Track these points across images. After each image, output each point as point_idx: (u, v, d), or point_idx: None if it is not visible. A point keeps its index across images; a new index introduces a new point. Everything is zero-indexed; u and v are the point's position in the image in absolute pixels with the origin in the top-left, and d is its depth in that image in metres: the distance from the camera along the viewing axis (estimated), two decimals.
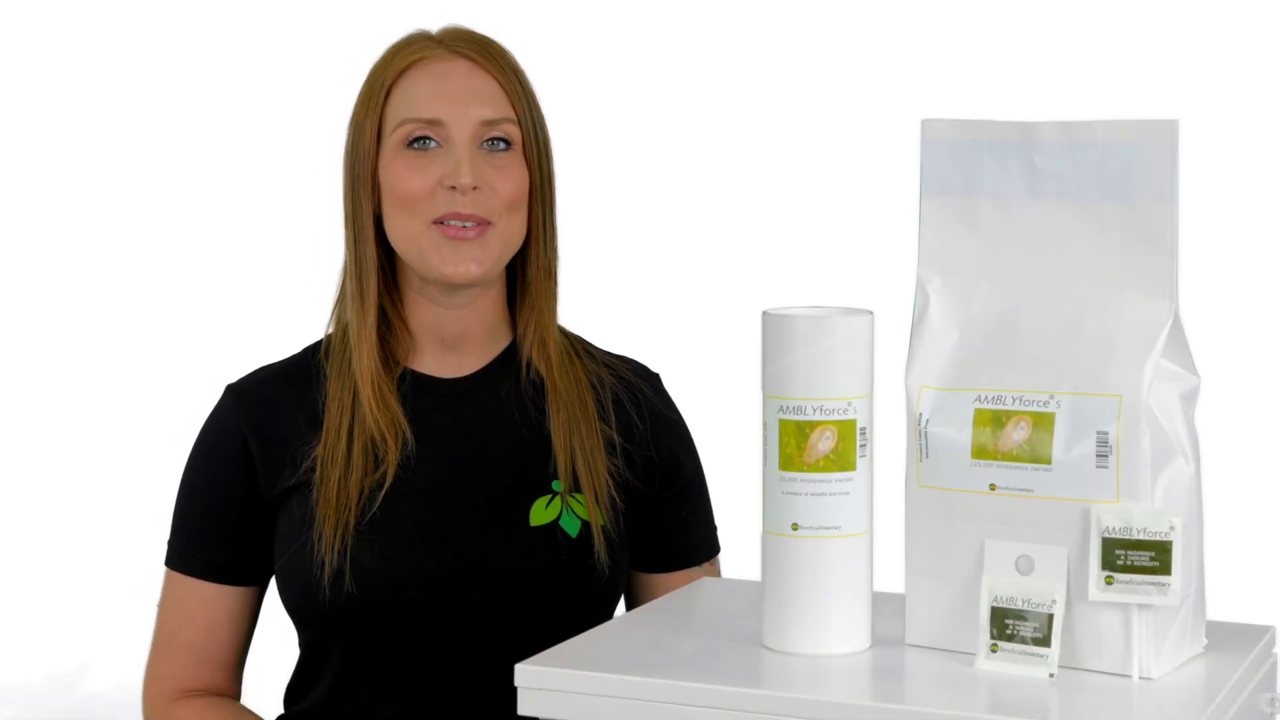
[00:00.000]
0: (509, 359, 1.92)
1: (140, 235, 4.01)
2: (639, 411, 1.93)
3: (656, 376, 1.99)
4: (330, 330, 1.93)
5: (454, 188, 1.81)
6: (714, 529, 2.00)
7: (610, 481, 1.88)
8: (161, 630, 1.94)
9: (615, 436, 1.90)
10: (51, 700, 3.87)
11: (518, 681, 1.44)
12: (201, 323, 3.87)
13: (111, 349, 3.97)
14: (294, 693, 1.94)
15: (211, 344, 3.74)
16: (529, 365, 1.90)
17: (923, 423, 1.48)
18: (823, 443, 1.45)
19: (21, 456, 4.03)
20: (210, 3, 3.98)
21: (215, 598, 1.92)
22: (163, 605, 1.95)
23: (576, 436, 1.88)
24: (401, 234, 1.84)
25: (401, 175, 1.83)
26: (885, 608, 1.53)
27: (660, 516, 1.94)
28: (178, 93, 3.99)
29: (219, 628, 1.92)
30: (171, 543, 1.94)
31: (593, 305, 3.70)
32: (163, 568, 1.95)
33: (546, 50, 3.76)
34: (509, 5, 3.77)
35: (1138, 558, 1.40)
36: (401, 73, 1.86)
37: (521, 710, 1.44)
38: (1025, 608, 1.43)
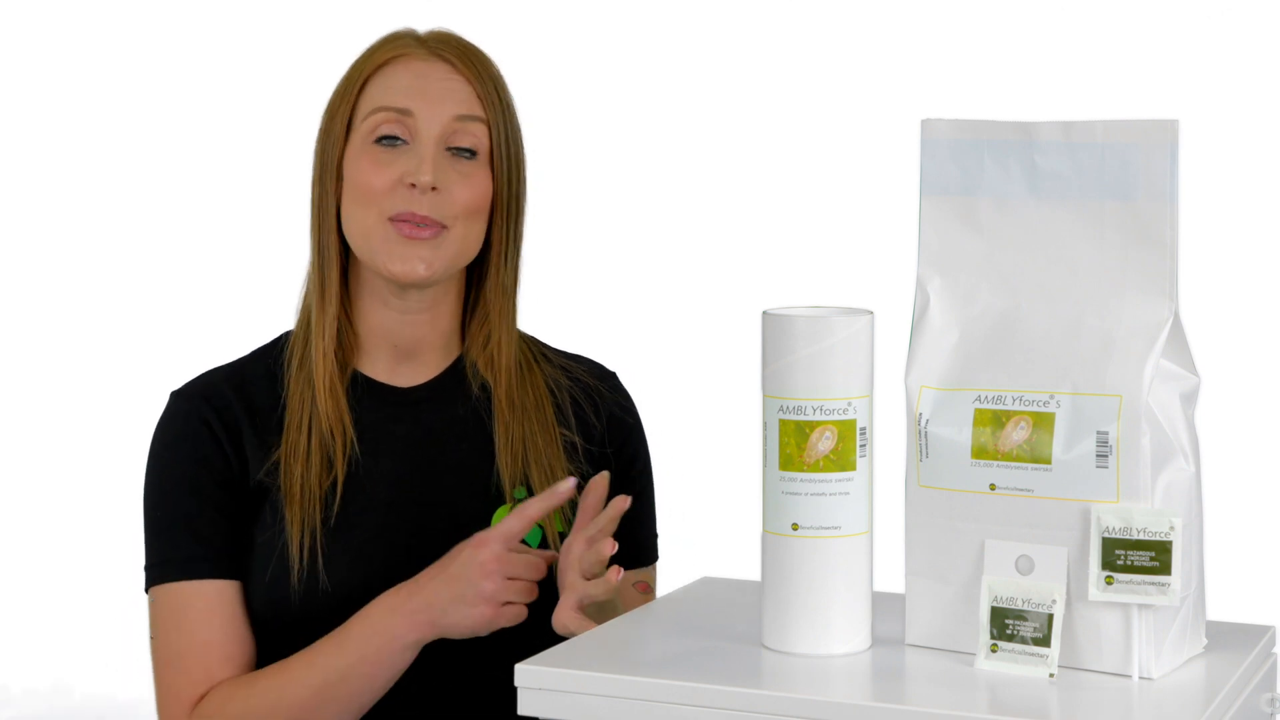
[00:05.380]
0: (462, 368, 1.90)
1: (123, 239, 4.01)
2: (596, 412, 1.92)
3: (613, 375, 1.97)
4: (296, 324, 1.89)
5: (414, 185, 1.79)
6: (655, 536, 1.97)
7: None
8: (165, 646, 1.81)
9: (575, 439, 1.89)
10: (50, 702, 3.88)
11: (518, 681, 1.44)
12: (197, 328, 3.87)
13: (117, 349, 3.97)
14: None
15: (208, 347, 3.74)
16: (478, 376, 1.88)
17: (923, 423, 1.47)
18: (823, 443, 1.45)
19: (21, 458, 4.02)
20: (171, 26, 3.98)
21: (223, 592, 1.81)
22: (158, 626, 1.82)
23: (533, 445, 1.86)
24: (357, 227, 1.82)
25: (365, 169, 1.81)
26: (885, 608, 1.52)
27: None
28: (142, 97, 3.99)
29: (232, 624, 1.81)
30: (151, 558, 1.83)
31: (592, 306, 3.71)
32: (145, 595, 1.83)
33: (547, 50, 3.78)
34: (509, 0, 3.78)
35: (1138, 558, 1.40)
36: (380, 66, 1.84)
37: (521, 710, 1.44)
38: (1025, 608, 1.43)
